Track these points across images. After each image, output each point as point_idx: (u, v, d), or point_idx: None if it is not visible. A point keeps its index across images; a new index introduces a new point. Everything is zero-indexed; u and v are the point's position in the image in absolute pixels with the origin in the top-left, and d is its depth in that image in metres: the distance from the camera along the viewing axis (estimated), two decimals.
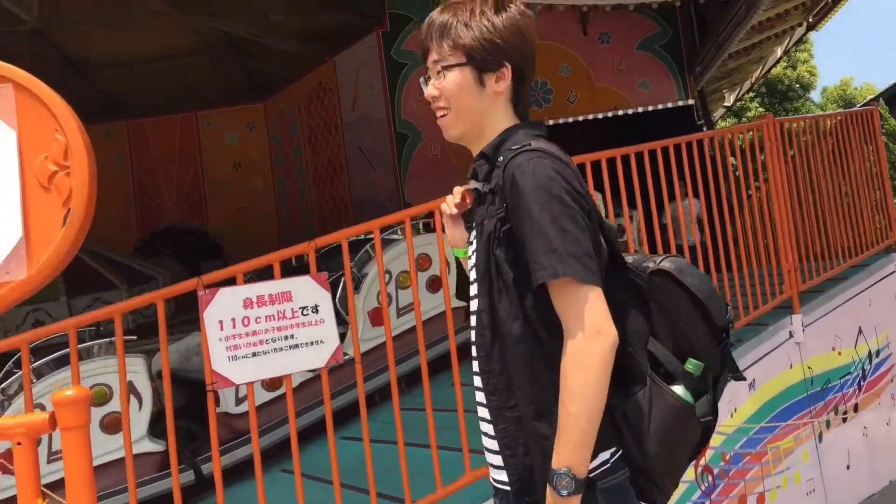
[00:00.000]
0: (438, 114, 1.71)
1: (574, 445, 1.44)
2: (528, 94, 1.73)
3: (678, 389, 1.56)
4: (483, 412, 1.66)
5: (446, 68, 1.65)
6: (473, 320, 1.68)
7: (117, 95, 12.96)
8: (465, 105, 1.66)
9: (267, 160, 13.82)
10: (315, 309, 2.93)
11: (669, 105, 10.16)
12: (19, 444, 1.32)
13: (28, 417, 1.32)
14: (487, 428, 1.64)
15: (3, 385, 4.57)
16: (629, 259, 1.69)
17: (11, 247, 1.30)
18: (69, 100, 1.43)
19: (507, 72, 1.64)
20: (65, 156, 1.31)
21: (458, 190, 1.85)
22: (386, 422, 4.40)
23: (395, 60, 10.27)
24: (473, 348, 1.67)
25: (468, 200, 1.80)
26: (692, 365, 1.59)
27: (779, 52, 13.90)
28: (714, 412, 1.62)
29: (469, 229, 1.79)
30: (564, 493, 1.43)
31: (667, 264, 1.65)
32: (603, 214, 1.66)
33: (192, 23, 10.66)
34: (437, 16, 1.68)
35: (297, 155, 12.98)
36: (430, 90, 1.70)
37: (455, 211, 1.87)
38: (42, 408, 4.20)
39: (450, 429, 3.58)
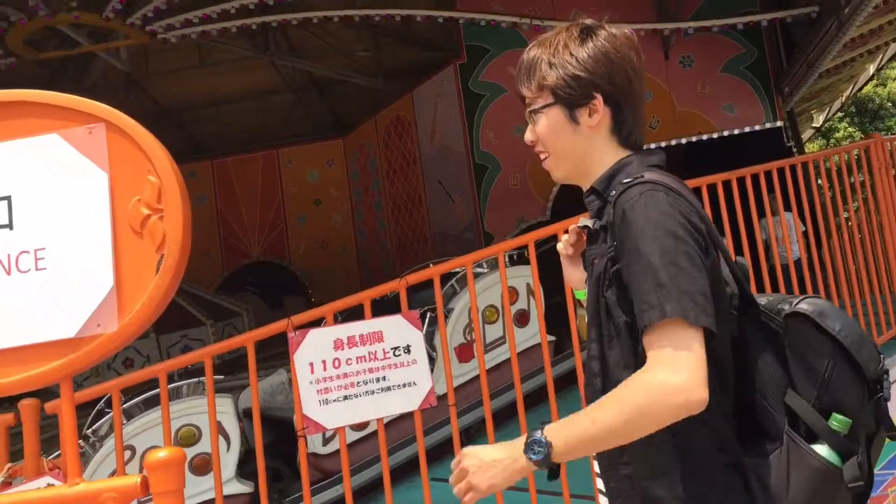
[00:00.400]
0: (541, 157, 1.62)
1: (574, 439, 1.31)
2: (635, 120, 1.57)
3: (821, 449, 1.35)
4: (596, 466, 1.52)
5: (535, 112, 1.57)
6: (586, 366, 1.56)
7: (203, 136, 13.32)
8: (562, 146, 1.57)
9: (346, 194, 13.94)
10: (407, 349, 2.81)
11: (757, 128, 9.79)
12: None
13: (118, 482, 1.22)
14: (601, 484, 1.51)
15: (94, 426, 4.60)
16: (762, 301, 1.51)
17: (102, 298, 1.22)
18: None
19: (599, 103, 1.52)
20: (158, 198, 1.22)
21: (573, 228, 1.72)
22: None
23: (472, 92, 10.24)
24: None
25: (584, 239, 1.66)
26: (838, 421, 1.37)
27: (871, 69, 13.32)
28: (868, 477, 1.39)
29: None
30: (534, 457, 1.32)
31: (804, 306, 1.44)
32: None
33: (278, 65, 10.94)
34: (525, 55, 1.60)
35: (375, 188, 13.06)
36: (527, 135, 1.62)
37: (571, 251, 1.74)
38: (132, 449, 4.20)
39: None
